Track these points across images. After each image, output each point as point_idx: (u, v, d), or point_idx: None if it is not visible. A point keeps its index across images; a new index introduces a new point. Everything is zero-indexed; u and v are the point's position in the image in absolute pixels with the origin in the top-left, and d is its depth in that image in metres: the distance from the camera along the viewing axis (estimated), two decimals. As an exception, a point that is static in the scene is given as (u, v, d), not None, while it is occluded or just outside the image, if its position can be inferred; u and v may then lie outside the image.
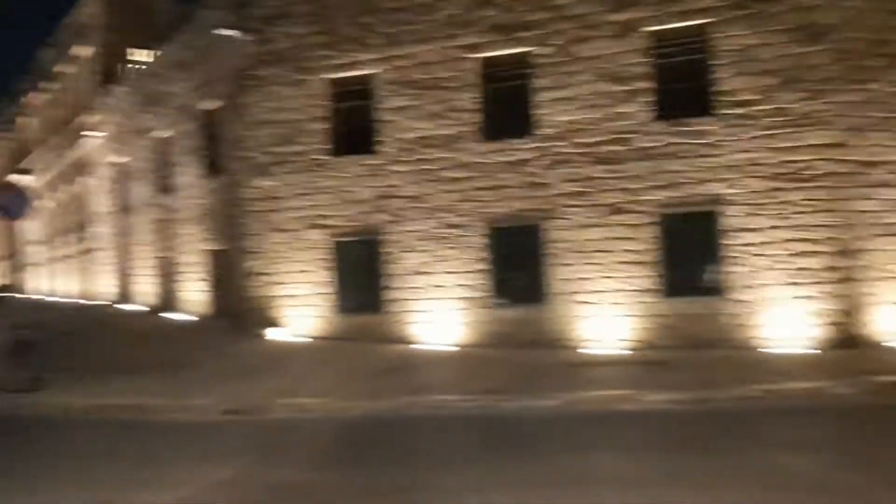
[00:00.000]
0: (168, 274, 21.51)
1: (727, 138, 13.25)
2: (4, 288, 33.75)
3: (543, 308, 14.16)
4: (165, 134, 21.37)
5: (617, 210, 13.83)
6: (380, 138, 15.39)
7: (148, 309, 22.33)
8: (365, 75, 15.52)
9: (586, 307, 13.89)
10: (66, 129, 31.49)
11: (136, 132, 23.57)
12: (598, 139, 13.93)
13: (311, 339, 15.56)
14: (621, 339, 13.58)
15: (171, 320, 19.99)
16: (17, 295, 35.35)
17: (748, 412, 9.09)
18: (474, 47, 14.70)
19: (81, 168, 29.95)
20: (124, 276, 25.15)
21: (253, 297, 16.27)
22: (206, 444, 8.76)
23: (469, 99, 14.78)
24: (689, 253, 13.47)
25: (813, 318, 12.74)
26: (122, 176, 25.15)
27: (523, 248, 14.35)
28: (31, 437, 9.28)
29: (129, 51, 25.10)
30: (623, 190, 13.78)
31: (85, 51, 28.92)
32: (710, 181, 13.35)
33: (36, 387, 11.48)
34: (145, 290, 23.23)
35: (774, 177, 13.05)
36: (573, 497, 6.20)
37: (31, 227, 37.73)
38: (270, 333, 15.81)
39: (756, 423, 8.59)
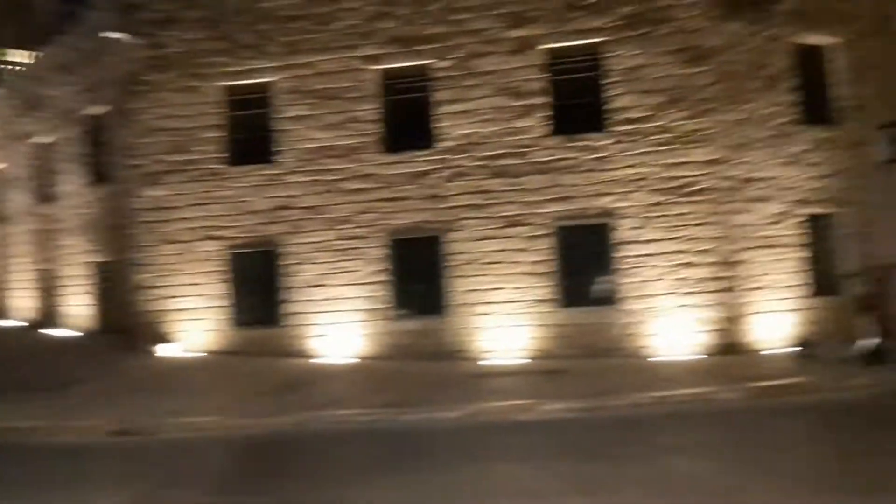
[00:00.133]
0: (49, 287, 20.34)
1: (618, 153, 13.78)
2: None
3: (443, 319, 14.25)
4: (47, 140, 20.23)
5: (514, 222, 14.10)
6: (278, 148, 15.13)
7: (27, 324, 21.04)
8: (262, 83, 15.23)
9: (485, 318, 14.07)
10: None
11: (13, 137, 22.21)
12: (496, 152, 14.18)
13: (205, 355, 15.06)
14: (520, 350, 13.84)
15: (54, 336, 18.90)
16: None
17: (642, 418, 9.43)
18: (374, 58, 14.69)
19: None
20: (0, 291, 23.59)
21: (142, 311, 15.61)
22: (95, 468, 8.31)
23: (369, 110, 14.75)
24: (583, 264, 13.89)
25: (698, 326, 13.38)
26: (-2, 183, 23.64)
27: (423, 260, 14.41)
28: None
29: (4, 51, 23.68)
30: (520, 202, 14.08)
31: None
32: (602, 195, 13.83)
33: None
34: (24, 304, 21.88)
35: (662, 191, 13.66)
36: (477, 509, 6.25)
37: None
38: (161, 349, 15.20)
39: (650, 429, 8.92)
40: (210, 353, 15.08)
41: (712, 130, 13.55)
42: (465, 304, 14.20)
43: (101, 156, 18.02)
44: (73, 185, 19.07)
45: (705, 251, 13.52)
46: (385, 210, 14.60)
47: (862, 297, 12.23)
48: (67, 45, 19.34)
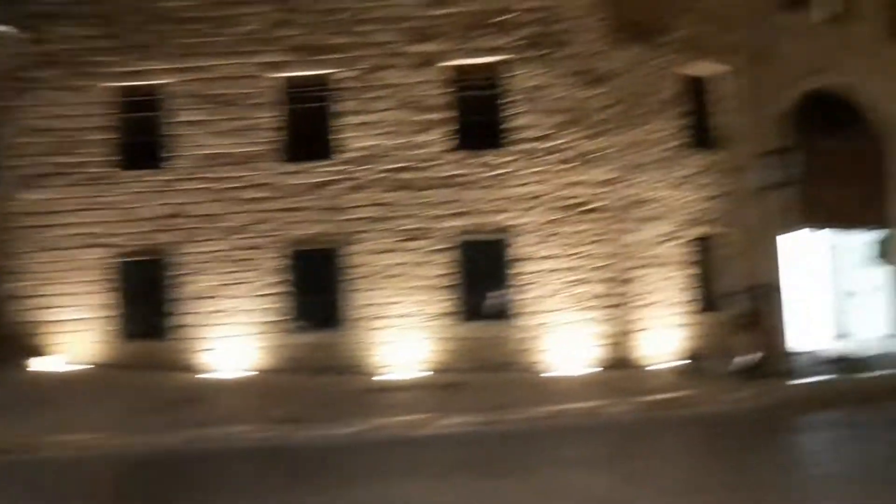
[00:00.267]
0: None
1: (518, 171, 14.05)
2: None
3: (342, 333, 14.09)
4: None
5: (414, 236, 14.13)
6: (171, 153, 14.58)
7: None
8: (156, 85, 14.66)
9: (384, 332, 14.00)
10: None
11: None
12: (398, 165, 14.19)
13: (89, 368, 14.26)
14: (418, 364, 13.84)
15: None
16: None
17: (538, 432, 9.60)
18: (275, 66, 14.42)
19: None
20: None
21: (16, 321, 14.64)
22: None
23: (269, 118, 14.45)
24: (483, 279, 14.06)
25: (591, 341, 13.77)
26: None
27: (322, 272, 14.22)
28: None
29: None
30: (421, 216, 14.13)
31: None
32: (501, 211, 14.06)
33: None
34: None
35: (559, 209, 14.02)
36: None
37: None
38: (39, 362, 14.29)
39: (546, 442, 9.09)
40: (95, 366, 14.29)
41: (607, 151, 14.03)
42: (363, 317, 14.09)
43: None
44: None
45: (599, 268, 13.95)
46: (283, 220, 14.32)
47: (741, 315, 12.90)
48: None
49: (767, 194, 13.54)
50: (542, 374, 13.43)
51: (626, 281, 14.06)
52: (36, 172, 14.65)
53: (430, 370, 13.74)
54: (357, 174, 14.25)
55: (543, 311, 13.90)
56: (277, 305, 14.26)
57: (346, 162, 14.28)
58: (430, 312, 14.00)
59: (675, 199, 14.68)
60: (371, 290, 14.11)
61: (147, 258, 14.50)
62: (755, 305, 12.77)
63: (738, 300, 13.23)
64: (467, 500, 6.73)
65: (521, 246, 14.02)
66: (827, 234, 17.37)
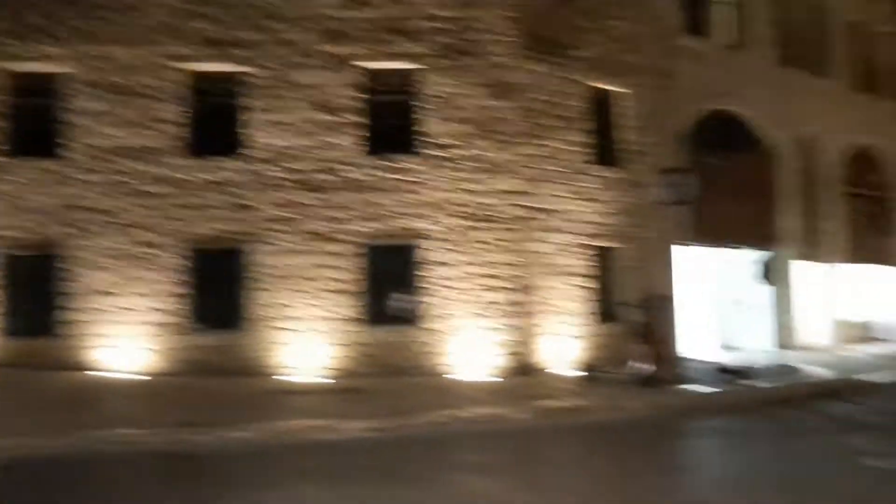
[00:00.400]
0: None
1: (428, 178, 14.15)
2: None
3: (244, 334, 13.81)
4: None
5: (322, 238, 14.00)
6: (67, 143, 13.94)
7: None
8: (52, 72, 13.99)
9: (287, 334, 13.81)
10: None
11: None
12: (309, 167, 14.04)
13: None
14: (322, 367, 13.72)
15: None
16: None
17: (439, 437, 9.66)
18: (183, 58, 14.03)
19: None
20: None
21: None
22: None
23: (174, 111, 14.03)
24: (390, 283, 14.07)
25: (495, 348, 13.99)
26: None
27: (224, 272, 13.91)
28: None
29: None
30: (330, 219, 14.02)
31: None
32: (411, 216, 14.11)
33: None
34: None
35: (468, 216, 14.20)
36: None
37: None
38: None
39: (447, 448, 9.17)
40: (-27, 364, 13.49)
41: (516, 162, 14.30)
42: (266, 319, 13.85)
43: None
44: None
45: (503, 276, 14.19)
46: (185, 217, 13.92)
47: (637, 326, 13.40)
48: None
49: (665, 210, 14.13)
50: (445, 379, 13.54)
51: (529, 289, 14.36)
52: (-86, 156, 13.73)
53: (333, 374, 13.64)
54: (264, 173, 14.01)
55: (448, 317, 14.03)
56: (176, 305, 13.83)
57: (253, 160, 14.03)
58: (336, 316, 13.90)
59: (577, 212, 15.11)
60: (275, 291, 13.89)
61: (37, 252, 13.80)
62: (649, 316, 13.28)
63: (633, 311, 13.72)
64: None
65: (427, 252, 14.11)
66: (719, 250, 18.25)
